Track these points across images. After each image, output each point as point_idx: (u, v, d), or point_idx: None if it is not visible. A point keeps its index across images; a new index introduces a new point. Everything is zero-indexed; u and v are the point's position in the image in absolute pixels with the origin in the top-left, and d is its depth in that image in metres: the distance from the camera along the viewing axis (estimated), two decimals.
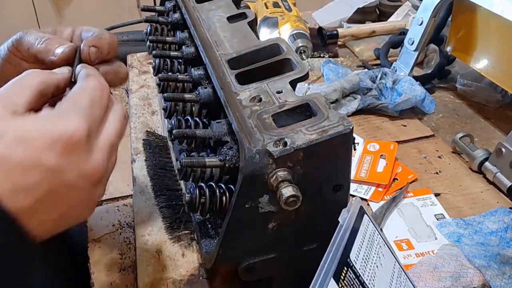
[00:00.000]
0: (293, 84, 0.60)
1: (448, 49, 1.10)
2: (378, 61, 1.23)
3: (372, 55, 1.27)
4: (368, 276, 0.49)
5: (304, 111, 0.55)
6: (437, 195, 0.82)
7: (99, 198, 0.52)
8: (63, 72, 0.54)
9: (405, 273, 0.55)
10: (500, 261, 0.67)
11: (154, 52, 0.82)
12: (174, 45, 0.87)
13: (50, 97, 0.53)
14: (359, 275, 0.48)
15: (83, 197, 0.49)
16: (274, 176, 0.49)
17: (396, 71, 1.12)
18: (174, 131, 0.64)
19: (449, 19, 1.09)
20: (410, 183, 0.84)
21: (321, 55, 1.30)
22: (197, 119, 0.70)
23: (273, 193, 0.50)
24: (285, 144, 0.49)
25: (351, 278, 0.47)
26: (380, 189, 0.83)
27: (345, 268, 0.47)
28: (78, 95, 0.51)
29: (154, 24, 0.90)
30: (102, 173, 0.50)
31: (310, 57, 1.24)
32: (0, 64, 0.62)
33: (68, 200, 0.48)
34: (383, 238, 0.55)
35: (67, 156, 0.46)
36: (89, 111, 0.49)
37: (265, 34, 1.27)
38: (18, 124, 0.46)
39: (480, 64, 1.01)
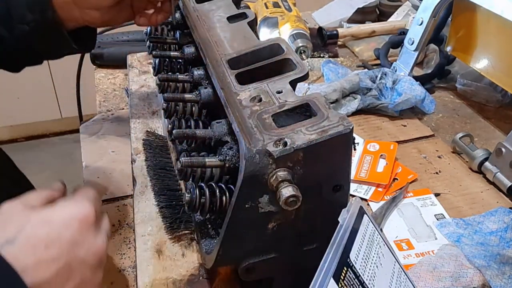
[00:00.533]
0: (293, 84, 0.60)
1: (448, 49, 1.10)
2: (378, 61, 1.23)
3: (372, 55, 1.27)
4: (368, 276, 0.49)
5: (304, 111, 0.55)
6: (437, 195, 0.82)
7: (99, 281, 0.57)
8: (59, 187, 0.64)
9: (405, 273, 0.55)
10: (500, 261, 0.67)
11: (154, 52, 0.82)
12: (174, 45, 0.87)
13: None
14: (359, 275, 0.48)
15: (89, 275, 0.56)
16: (274, 176, 0.49)
17: (396, 71, 1.12)
18: (174, 131, 0.64)
19: (449, 19, 1.09)
20: (410, 183, 0.84)
21: (321, 55, 1.30)
22: (197, 119, 0.70)
23: (273, 193, 0.50)
24: (285, 144, 0.49)
25: (351, 278, 0.47)
26: (380, 189, 0.83)
27: (345, 268, 0.47)
28: (86, 190, 0.62)
29: None
30: (104, 253, 0.58)
31: (310, 57, 1.24)
32: None
33: (79, 275, 0.54)
34: (383, 238, 0.55)
35: (81, 233, 0.55)
36: (96, 201, 0.59)
37: (265, 34, 1.27)
38: (41, 211, 0.56)
39: (480, 64, 1.02)
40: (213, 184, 0.58)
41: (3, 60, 0.84)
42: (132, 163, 0.88)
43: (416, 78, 1.08)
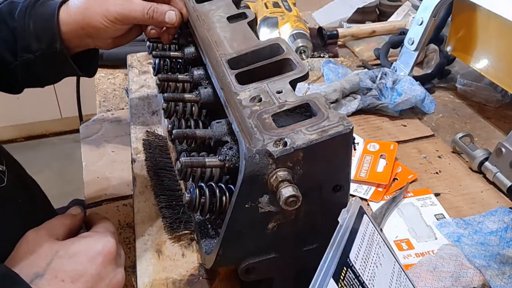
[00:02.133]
0: (293, 84, 0.60)
1: (448, 49, 1.10)
2: (378, 61, 1.23)
3: (372, 55, 1.27)
4: (367, 276, 0.49)
5: (304, 111, 0.55)
6: (437, 195, 0.82)
7: None
8: (78, 212, 0.69)
9: (405, 273, 0.55)
10: (500, 261, 0.67)
11: (154, 52, 0.82)
12: (174, 45, 0.87)
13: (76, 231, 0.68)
14: (359, 275, 0.48)
15: None
16: (274, 176, 0.49)
17: (396, 71, 1.12)
18: (174, 131, 0.64)
19: (449, 19, 1.09)
20: (410, 183, 0.84)
21: (321, 55, 1.30)
22: (197, 119, 0.70)
23: (273, 193, 0.50)
24: (285, 144, 0.49)
25: (350, 278, 0.47)
26: (380, 189, 0.83)
27: (345, 268, 0.47)
28: (107, 224, 0.67)
29: None
30: (122, 285, 0.62)
31: (310, 57, 1.24)
32: None
33: None
34: (382, 238, 0.55)
35: (105, 267, 0.59)
36: (115, 234, 0.65)
37: (265, 34, 1.27)
38: (67, 245, 0.60)
39: (480, 63, 1.02)
40: (213, 184, 0.58)
41: (4, 83, 0.84)
42: (132, 163, 0.88)
43: (416, 78, 1.08)
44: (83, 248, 0.60)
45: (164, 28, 0.84)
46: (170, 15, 0.80)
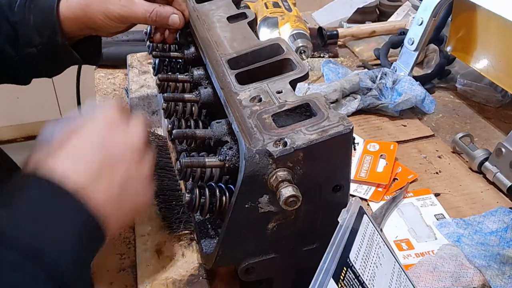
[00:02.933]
0: (293, 84, 0.60)
1: (448, 49, 1.10)
2: (378, 61, 1.23)
3: (372, 55, 1.27)
4: (367, 276, 0.49)
5: (304, 111, 0.55)
6: (437, 195, 0.82)
7: (146, 173, 0.57)
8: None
9: (405, 273, 0.55)
10: (500, 261, 0.67)
11: (154, 52, 0.82)
12: (174, 45, 0.87)
13: None
14: (359, 275, 0.48)
15: (134, 170, 0.55)
16: (274, 176, 0.49)
17: (396, 71, 1.12)
18: (173, 131, 0.64)
19: (449, 19, 1.09)
20: (410, 183, 0.84)
21: (321, 55, 1.30)
22: (197, 119, 0.70)
23: (273, 193, 0.50)
24: (285, 144, 0.49)
25: (350, 278, 0.47)
26: (380, 189, 0.83)
27: (345, 268, 0.47)
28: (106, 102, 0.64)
29: None
30: (142, 146, 0.57)
31: (310, 57, 1.24)
32: None
33: (122, 171, 0.54)
34: (382, 238, 0.55)
35: (111, 132, 0.55)
36: (117, 106, 0.59)
37: (265, 34, 1.27)
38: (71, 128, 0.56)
39: (480, 64, 1.01)
40: (213, 184, 0.58)
41: (10, 76, 0.85)
42: None
43: (416, 78, 1.08)
44: (83, 124, 0.56)
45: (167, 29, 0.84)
46: (174, 18, 0.80)
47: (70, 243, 0.47)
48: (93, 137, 0.54)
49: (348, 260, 0.48)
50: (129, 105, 1.05)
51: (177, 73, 0.78)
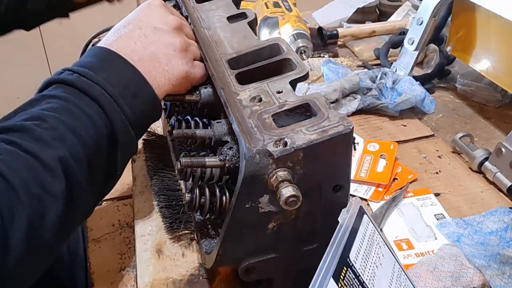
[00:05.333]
0: (293, 84, 0.60)
1: (448, 49, 1.10)
2: (378, 61, 1.23)
3: (372, 55, 1.27)
4: (367, 276, 0.49)
5: (304, 111, 0.55)
6: (437, 195, 0.82)
7: (178, 45, 0.67)
8: None
9: (405, 273, 0.55)
10: (500, 261, 0.67)
11: None
12: None
13: None
14: (359, 275, 0.48)
15: (168, 39, 0.66)
16: (274, 176, 0.49)
17: (396, 71, 1.12)
18: (174, 131, 0.64)
19: (449, 19, 1.09)
20: (410, 183, 0.84)
21: (321, 55, 1.30)
22: (197, 119, 0.70)
23: (273, 193, 0.50)
24: (285, 144, 0.49)
25: (350, 278, 0.47)
26: (380, 189, 0.83)
27: (345, 268, 0.47)
28: None
29: None
30: (179, 23, 0.69)
31: (310, 57, 1.24)
32: None
33: (155, 38, 0.65)
34: (382, 238, 0.55)
35: (150, 9, 0.69)
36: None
37: (265, 34, 1.27)
38: None
39: (480, 64, 1.02)
40: (213, 184, 0.58)
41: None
42: (132, 163, 0.88)
43: (416, 78, 1.08)
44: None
45: None
46: None
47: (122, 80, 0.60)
48: (133, 13, 0.68)
49: (348, 260, 0.48)
50: None
51: None
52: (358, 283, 0.47)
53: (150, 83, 0.62)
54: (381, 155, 0.89)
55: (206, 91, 0.71)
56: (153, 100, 0.62)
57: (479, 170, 0.86)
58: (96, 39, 1.27)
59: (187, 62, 0.67)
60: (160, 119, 0.98)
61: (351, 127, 0.51)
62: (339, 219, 0.51)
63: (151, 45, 0.64)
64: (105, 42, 0.64)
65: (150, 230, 0.74)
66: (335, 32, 1.35)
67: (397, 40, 1.21)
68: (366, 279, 0.49)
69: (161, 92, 0.64)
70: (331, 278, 0.45)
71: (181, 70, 0.66)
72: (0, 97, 2.74)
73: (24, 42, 2.69)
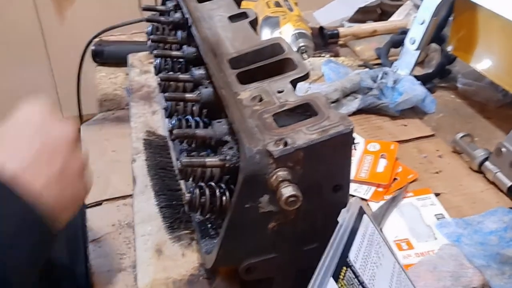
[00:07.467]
0: (294, 83, 0.60)
1: (449, 48, 1.10)
2: (379, 61, 1.23)
3: (373, 54, 1.27)
4: (367, 275, 0.49)
5: (304, 110, 0.55)
6: (437, 194, 0.82)
7: (80, 162, 0.58)
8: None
9: (404, 273, 0.56)
10: (500, 261, 0.67)
11: (155, 52, 0.82)
12: (175, 45, 0.87)
13: None
14: (359, 274, 0.48)
15: (69, 161, 0.56)
16: (274, 176, 0.49)
17: (397, 70, 1.12)
18: (174, 131, 0.64)
19: (450, 18, 1.09)
20: (410, 182, 0.84)
21: (322, 55, 1.30)
22: (197, 118, 0.70)
23: (273, 193, 0.50)
24: (285, 144, 0.49)
25: (350, 278, 0.47)
26: (380, 189, 0.83)
27: (344, 268, 0.47)
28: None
29: (155, 24, 0.91)
30: (75, 140, 0.59)
31: (311, 57, 1.24)
32: None
33: (59, 160, 0.55)
34: (382, 238, 0.55)
35: (44, 121, 0.58)
36: (49, 104, 0.61)
37: (267, 34, 1.27)
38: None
39: (481, 64, 1.01)
40: (213, 184, 0.58)
41: None
42: (132, 163, 0.88)
43: (417, 77, 1.08)
44: (16, 115, 0.59)
45: None
46: None
47: (7, 232, 0.48)
48: (29, 126, 0.56)
49: (348, 260, 0.48)
50: (129, 105, 1.05)
51: (179, 73, 0.78)
52: (358, 283, 0.47)
53: None
54: (382, 155, 0.89)
55: (207, 91, 0.71)
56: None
57: (480, 170, 0.86)
58: (96, 39, 1.28)
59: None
60: (161, 118, 0.98)
61: (351, 127, 0.51)
62: (339, 219, 0.51)
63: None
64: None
65: (150, 230, 0.74)
66: (336, 31, 1.35)
67: (398, 40, 1.21)
68: (366, 279, 0.49)
69: None
70: (331, 278, 0.45)
71: None
72: (0, 97, 2.75)
73: (25, 42, 2.70)
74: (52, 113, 0.59)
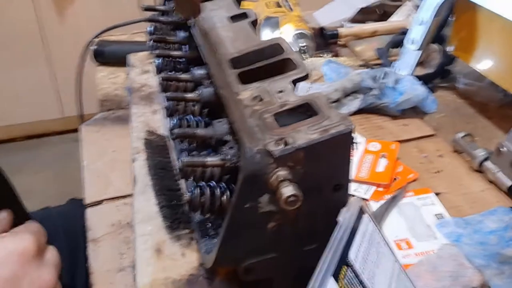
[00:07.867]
0: (295, 83, 0.60)
1: (450, 48, 1.10)
2: (379, 61, 1.23)
3: (373, 55, 1.27)
4: (367, 275, 0.49)
5: (305, 110, 0.55)
6: (437, 194, 0.81)
7: None
8: (4, 217, 0.63)
9: (404, 272, 0.55)
10: (500, 261, 0.67)
11: (156, 51, 0.82)
12: (176, 45, 0.87)
13: None
14: (359, 274, 0.48)
15: None
16: (275, 176, 0.49)
17: (397, 70, 1.12)
18: (175, 131, 0.64)
19: (451, 18, 1.09)
20: (411, 182, 0.84)
21: (323, 55, 1.30)
22: (198, 118, 0.70)
23: (273, 193, 0.50)
24: (285, 143, 0.49)
25: (350, 277, 0.47)
26: (380, 189, 0.83)
27: (345, 267, 0.47)
28: (29, 224, 0.61)
29: (156, 24, 0.91)
30: (53, 285, 0.57)
31: (312, 57, 1.24)
32: None
33: None
34: (382, 238, 0.55)
35: (23, 267, 0.54)
36: (38, 234, 0.58)
37: (267, 34, 1.27)
38: None
39: (482, 64, 1.01)
40: (214, 184, 0.58)
41: None
42: (132, 162, 0.88)
43: (418, 77, 1.08)
44: None
45: None
46: None
47: None
48: (3, 273, 0.53)
49: (347, 259, 0.48)
50: (130, 105, 1.05)
51: (179, 73, 0.78)
52: (358, 283, 0.47)
53: None
54: (382, 154, 0.89)
55: (207, 91, 0.71)
56: None
57: (480, 169, 0.86)
58: (97, 39, 1.28)
59: None
60: (162, 118, 0.98)
61: (351, 127, 0.51)
62: (339, 218, 0.51)
63: None
64: None
65: (150, 230, 0.74)
66: (336, 32, 1.35)
67: (398, 40, 1.21)
68: (366, 278, 0.49)
69: None
70: (331, 277, 0.45)
71: None
72: (0, 97, 2.75)
73: (25, 42, 2.70)
74: (34, 256, 0.56)
